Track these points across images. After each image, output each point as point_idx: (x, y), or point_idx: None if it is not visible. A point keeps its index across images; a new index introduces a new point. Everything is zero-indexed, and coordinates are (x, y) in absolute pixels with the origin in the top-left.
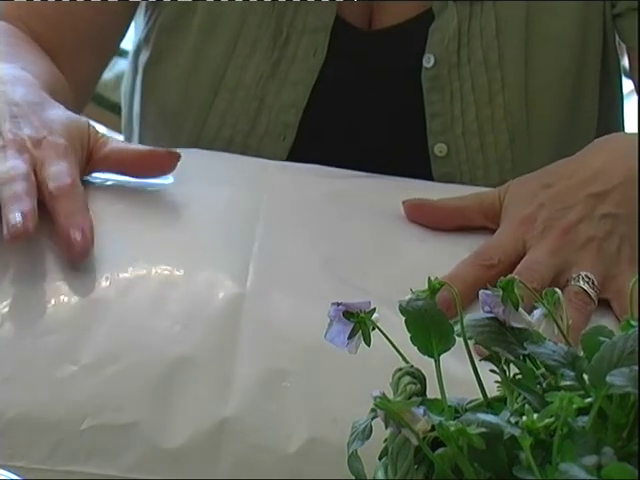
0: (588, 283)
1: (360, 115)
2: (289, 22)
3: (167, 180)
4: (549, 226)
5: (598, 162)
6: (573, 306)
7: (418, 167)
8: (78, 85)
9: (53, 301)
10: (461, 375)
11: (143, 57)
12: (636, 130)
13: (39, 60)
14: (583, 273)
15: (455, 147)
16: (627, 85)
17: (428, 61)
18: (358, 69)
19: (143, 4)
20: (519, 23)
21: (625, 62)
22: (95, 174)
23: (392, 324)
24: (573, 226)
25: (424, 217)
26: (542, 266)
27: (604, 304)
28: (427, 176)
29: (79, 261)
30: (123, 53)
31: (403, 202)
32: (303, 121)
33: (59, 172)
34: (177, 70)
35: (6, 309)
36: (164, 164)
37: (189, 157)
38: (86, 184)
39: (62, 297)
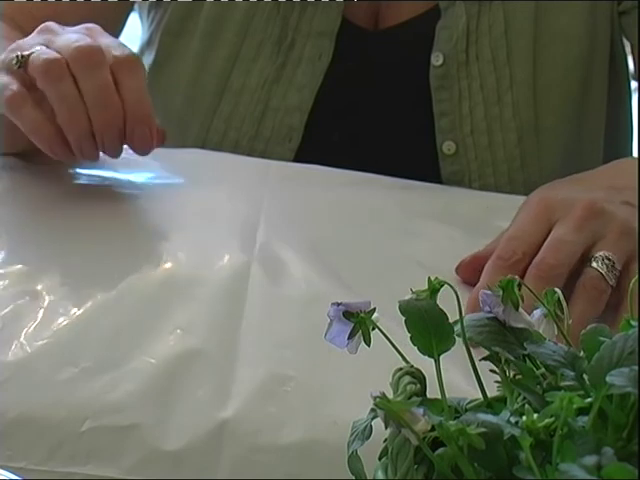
0: (607, 265)
1: (367, 115)
2: (294, 26)
3: (174, 180)
4: (573, 200)
5: (613, 169)
6: (586, 295)
7: (426, 165)
8: None
9: (54, 303)
10: (459, 382)
11: (147, 60)
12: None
13: None
14: (605, 253)
15: (463, 145)
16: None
17: (437, 59)
18: (364, 69)
19: (145, 5)
20: (527, 20)
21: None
22: (95, 174)
23: (394, 324)
24: (598, 202)
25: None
26: (568, 245)
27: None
28: (435, 174)
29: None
30: None
31: (456, 269)
32: (309, 123)
33: (119, 43)
34: (181, 74)
35: (7, 311)
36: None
37: (190, 157)
38: (86, 185)
39: (62, 299)
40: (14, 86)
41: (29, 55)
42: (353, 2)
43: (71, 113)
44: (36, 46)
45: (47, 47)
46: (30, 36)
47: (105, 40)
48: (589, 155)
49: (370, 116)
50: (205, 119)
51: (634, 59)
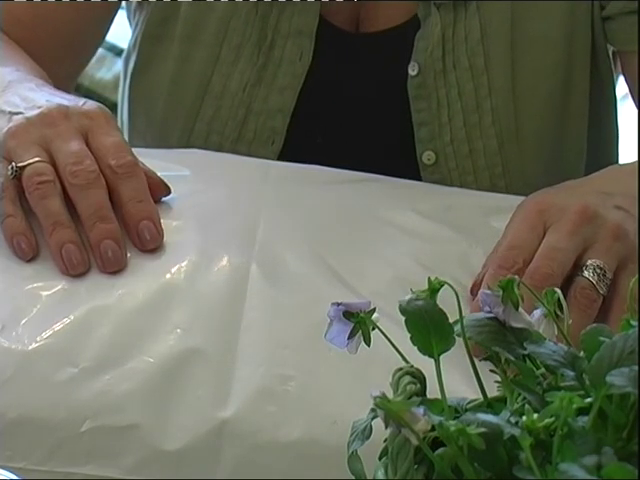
0: (599, 275)
1: (349, 119)
2: (273, 26)
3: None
4: (567, 205)
5: (605, 176)
6: (577, 305)
7: (407, 174)
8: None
9: (54, 304)
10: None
11: (130, 65)
12: (629, 131)
13: (26, 61)
14: (596, 262)
15: (444, 154)
16: (623, 87)
17: (413, 69)
18: (346, 72)
19: (132, 9)
20: (504, 27)
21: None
22: None
23: (394, 324)
24: (591, 206)
25: None
26: (561, 253)
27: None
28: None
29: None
30: (122, 53)
31: (471, 291)
32: (291, 126)
33: (117, 145)
34: (162, 78)
35: (7, 313)
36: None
37: (189, 157)
38: None
39: (63, 300)
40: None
41: (24, 167)
42: (332, 3)
43: (54, 227)
44: (33, 151)
45: (44, 158)
46: (30, 124)
47: (106, 140)
48: (572, 160)
49: (352, 120)
50: (187, 123)
51: (622, 65)
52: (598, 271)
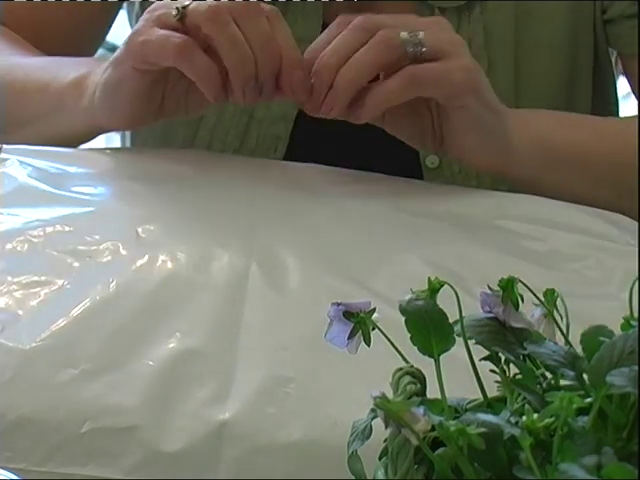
0: (411, 38)
1: (351, 124)
2: None
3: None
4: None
5: None
6: (373, 44)
7: (410, 178)
8: None
9: (53, 304)
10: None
11: None
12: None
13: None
14: (417, 32)
15: (447, 158)
16: (624, 86)
17: None
18: None
19: (133, 12)
20: (507, 32)
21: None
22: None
23: (394, 324)
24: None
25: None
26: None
27: (608, 299)
28: None
29: None
30: None
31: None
32: (294, 133)
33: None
34: None
35: (7, 313)
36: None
37: (190, 157)
38: (75, 186)
39: (62, 300)
40: (177, 36)
41: (188, 5)
42: (332, 4)
43: (241, 57)
44: None
45: None
46: None
47: None
48: None
49: (355, 125)
50: (189, 130)
51: (623, 68)
52: (412, 35)
